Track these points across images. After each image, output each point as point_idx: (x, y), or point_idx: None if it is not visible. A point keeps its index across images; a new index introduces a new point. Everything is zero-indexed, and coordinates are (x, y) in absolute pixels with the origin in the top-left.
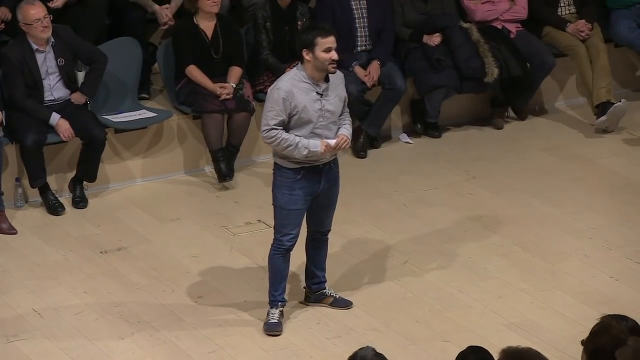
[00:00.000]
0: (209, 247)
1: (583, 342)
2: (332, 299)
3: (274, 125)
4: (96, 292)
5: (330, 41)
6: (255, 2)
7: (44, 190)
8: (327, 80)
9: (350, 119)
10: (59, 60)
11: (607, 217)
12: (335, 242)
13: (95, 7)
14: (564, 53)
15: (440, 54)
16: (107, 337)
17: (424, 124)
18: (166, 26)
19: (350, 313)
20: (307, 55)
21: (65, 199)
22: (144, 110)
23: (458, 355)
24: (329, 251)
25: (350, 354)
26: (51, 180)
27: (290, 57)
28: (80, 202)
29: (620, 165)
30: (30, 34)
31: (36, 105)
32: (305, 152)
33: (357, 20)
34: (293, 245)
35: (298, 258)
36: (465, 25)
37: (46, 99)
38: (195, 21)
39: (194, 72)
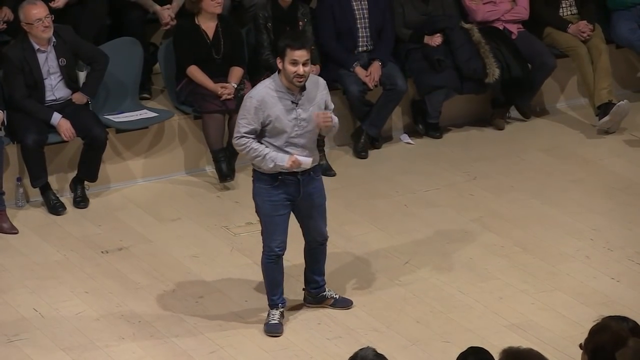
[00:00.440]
0: (209, 247)
1: (581, 346)
2: (332, 300)
3: (245, 133)
4: (97, 292)
5: (298, 55)
6: (256, 3)
7: (45, 190)
8: (303, 88)
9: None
10: (60, 60)
11: (608, 218)
12: (335, 242)
13: (96, 7)
14: (565, 54)
15: (440, 54)
16: (108, 337)
17: (425, 124)
18: (167, 26)
19: (351, 313)
20: (279, 64)
21: (66, 198)
22: (144, 111)
23: (459, 356)
24: (329, 251)
25: (351, 354)
26: (52, 180)
27: None
28: (81, 202)
29: (622, 166)
30: (32, 33)
31: (37, 105)
32: (271, 165)
33: (357, 21)
34: (283, 251)
35: (298, 257)
36: (467, 25)
37: (47, 98)
38: (196, 21)
39: (194, 72)
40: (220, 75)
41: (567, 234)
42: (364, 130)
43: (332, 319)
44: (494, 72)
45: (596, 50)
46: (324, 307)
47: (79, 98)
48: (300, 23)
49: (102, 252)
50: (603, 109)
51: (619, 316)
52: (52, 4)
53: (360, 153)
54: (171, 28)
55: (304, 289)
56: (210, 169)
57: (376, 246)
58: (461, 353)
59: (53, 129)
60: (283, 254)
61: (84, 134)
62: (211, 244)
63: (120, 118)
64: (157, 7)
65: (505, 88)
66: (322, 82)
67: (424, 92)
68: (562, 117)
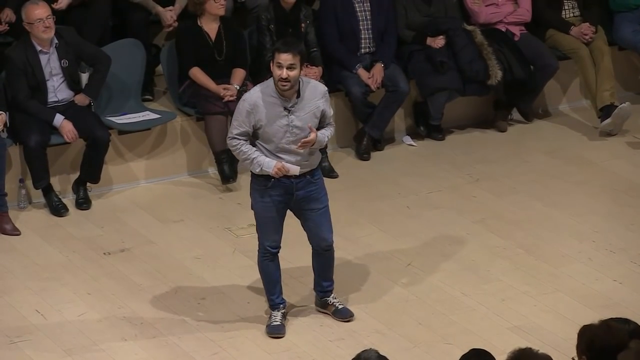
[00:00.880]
0: (212, 249)
1: None
2: (334, 308)
3: (236, 134)
4: (99, 294)
5: (283, 58)
6: (258, 4)
7: (48, 191)
8: (298, 95)
9: (331, 131)
10: (62, 61)
11: (611, 220)
12: (338, 244)
13: (98, 8)
14: (567, 56)
15: (443, 56)
16: (110, 338)
17: (427, 126)
18: (170, 28)
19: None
20: (272, 68)
21: (69, 200)
22: (147, 112)
23: (461, 358)
24: None
25: (354, 356)
26: (54, 182)
27: None
28: (83, 203)
29: (624, 168)
30: (33, 33)
31: (39, 107)
32: (258, 170)
33: (360, 23)
34: (277, 250)
35: (301, 258)
36: (469, 27)
37: (50, 100)
38: (198, 23)
39: (197, 73)
40: (222, 77)
41: (570, 235)
42: (367, 132)
43: (335, 321)
44: (497, 74)
45: (599, 52)
46: (325, 313)
47: (82, 99)
48: (303, 25)
49: (104, 253)
50: (605, 111)
51: (621, 318)
52: (54, 6)
53: (363, 155)
54: (173, 30)
55: (313, 289)
56: (213, 171)
57: (378, 248)
58: (463, 355)
59: (55, 131)
60: (277, 252)
61: (87, 135)
62: (213, 246)
63: (122, 119)
64: (160, 9)
65: (508, 90)
66: (321, 89)
67: (426, 93)
68: (565, 119)
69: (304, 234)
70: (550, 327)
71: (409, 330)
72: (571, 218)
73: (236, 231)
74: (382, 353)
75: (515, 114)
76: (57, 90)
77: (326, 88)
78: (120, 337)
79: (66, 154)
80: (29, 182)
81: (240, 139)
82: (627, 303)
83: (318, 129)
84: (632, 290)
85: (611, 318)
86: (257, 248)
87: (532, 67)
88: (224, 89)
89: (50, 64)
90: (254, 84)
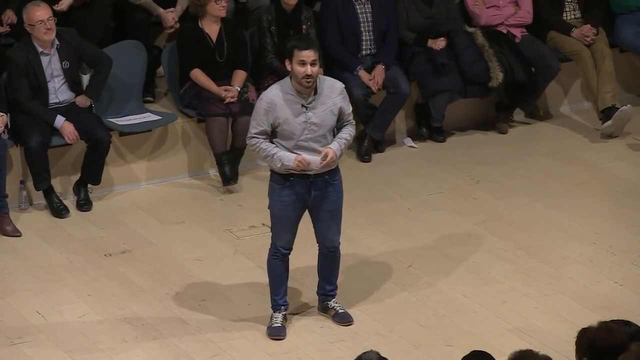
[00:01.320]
0: (213, 251)
1: None
2: (334, 311)
3: (255, 134)
4: (100, 295)
5: (305, 55)
6: (260, 6)
7: (49, 192)
8: (316, 91)
9: (350, 132)
10: (63, 63)
11: (612, 222)
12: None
13: (100, 10)
14: (568, 58)
15: (444, 58)
16: (111, 340)
17: (429, 128)
18: (171, 29)
19: (354, 317)
20: (288, 66)
21: (70, 201)
22: (148, 114)
23: None
24: None
25: (354, 358)
26: (55, 183)
27: None
28: (84, 204)
29: (625, 170)
30: (34, 35)
31: (41, 108)
32: (279, 165)
33: (361, 24)
34: (289, 251)
35: (302, 261)
36: (470, 29)
37: (51, 101)
38: (200, 24)
39: (198, 75)
40: (223, 78)
41: (571, 237)
42: (368, 134)
43: (335, 323)
44: (498, 76)
45: (600, 54)
46: (325, 316)
47: (83, 101)
48: (304, 26)
49: (105, 255)
50: (607, 113)
51: (622, 320)
52: (56, 7)
53: (364, 156)
54: (175, 31)
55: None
56: (214, 172)
57: (379, 249)
58: (464, 357)
59: (56, 132)
60: (289, 254)
61: (88, 136)
62: (214, 247)
63: (123, 121)
64: (161, 10)
65: (509, 92)
66: (339, 86)
67: (427, 95)
68: (566, 121)
69: (306, 236)
70: (551, 329)
71: (410, 332)
72: (572, 220)
73: (237, 233)
74: (382, 355)
75: (517, 116)
76: (58, 91)
77: (343, 85)
78: (120, 338)
79: (67, 155)
80: (30, 184)
81: (260, 138)
82: (628, 305)
83: (337, 127)
84: (633, 292)
85: (612, 320)
86: (257, 249)
87: (533, 69)
88: (225, 90)
89: (52, 65)
90: (255, 86)
